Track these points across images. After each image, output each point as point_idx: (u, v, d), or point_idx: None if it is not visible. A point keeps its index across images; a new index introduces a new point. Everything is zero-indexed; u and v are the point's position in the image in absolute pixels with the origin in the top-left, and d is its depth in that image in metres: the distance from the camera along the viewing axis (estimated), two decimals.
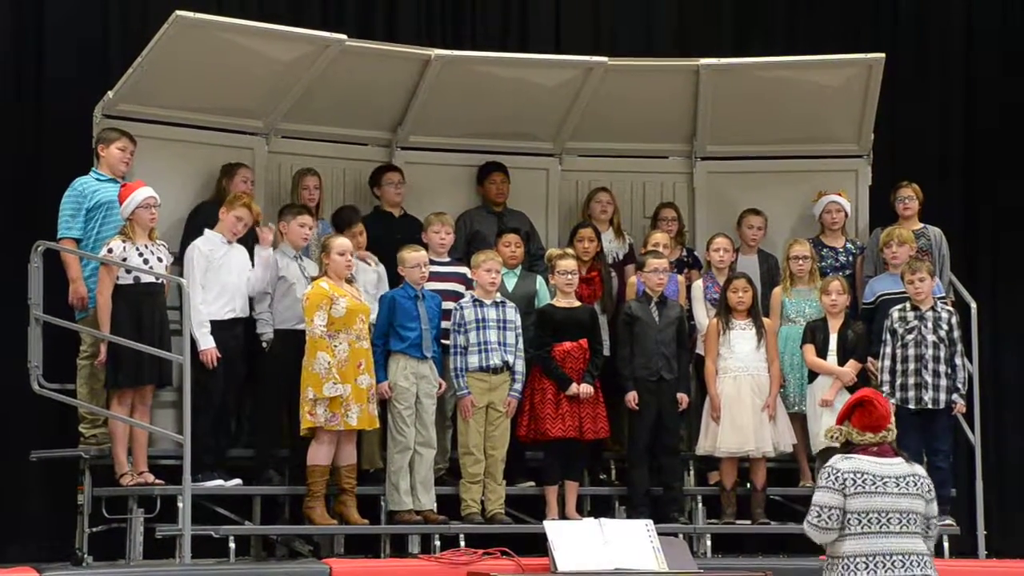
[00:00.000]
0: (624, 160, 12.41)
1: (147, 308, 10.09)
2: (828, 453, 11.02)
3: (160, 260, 10.21)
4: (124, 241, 10.07)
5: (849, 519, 7.25)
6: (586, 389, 10.79)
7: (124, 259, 10.03)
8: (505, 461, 10.78)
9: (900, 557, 7.20)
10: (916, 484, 7.31)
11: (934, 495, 7.41)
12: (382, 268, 11.11)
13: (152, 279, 10.12)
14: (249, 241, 10.75)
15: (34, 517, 11.13)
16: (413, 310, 10.57)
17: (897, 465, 7.33)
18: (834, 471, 7.29)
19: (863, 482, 7.24)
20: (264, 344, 10.59)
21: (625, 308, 11.21)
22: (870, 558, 7.20)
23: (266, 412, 10.65)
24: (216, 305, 10.37)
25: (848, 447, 7.40)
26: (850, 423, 7.41)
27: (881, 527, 7.22)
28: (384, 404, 10.55)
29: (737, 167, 12.46)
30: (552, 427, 10.78)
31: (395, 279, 11.01)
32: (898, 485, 7.27)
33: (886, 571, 7.17)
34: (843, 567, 7.23)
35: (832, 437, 7.50)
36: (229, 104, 11.22)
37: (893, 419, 7.53)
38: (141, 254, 10.09)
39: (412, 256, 10.66)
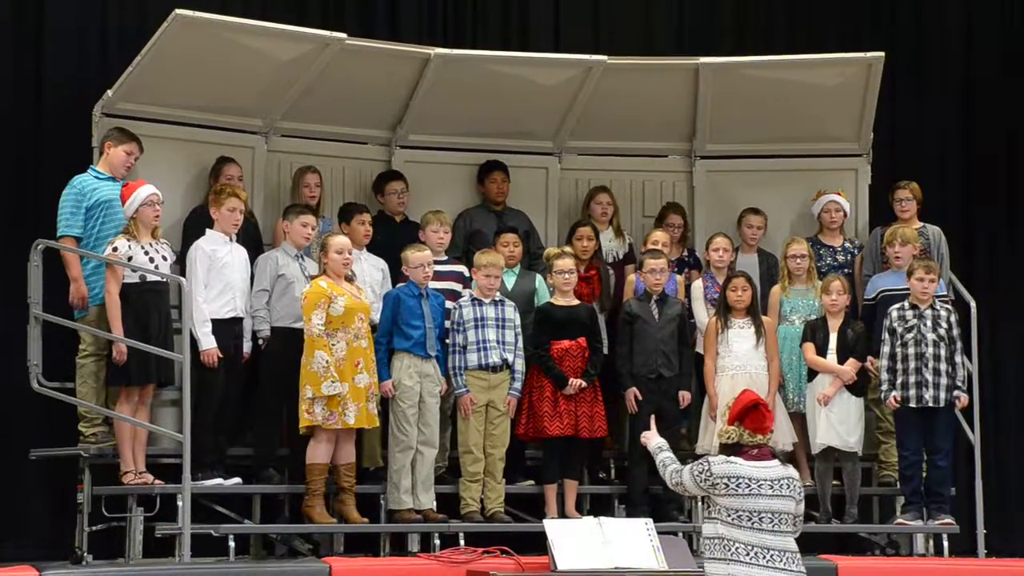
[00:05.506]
0: (624, 159, 12.41)
1: (153, 307, 10.09)
2: (827, 454, 11.08)
3: (165, 259, 10.20)
4: (129, 240, 10.06)
5: (720, 510, 7.59)
6: (578, 382, 10.78)
7: (130, 258, 10.02)
8: (504, 460, 10.78)
9: (778, 553, 7.53)
10: (789, 487, 7.65)
11: (803, 496, 7.73)
12: (386, 266, 11.11)
13: (157, 277, 10.10)
14: (249, 242, 10.78)
15: (34, 516, 11.12)
16: (417, 308, 10.55)
17: (773, 468, 7.65)
18: (707, 472, 7.64)
19: (736, 486, 7.56)
20: (261, 342, 10.59)
21: (625, 306, 11.21)
22: (749, 547, 7.50)
23: (265, 411, 10.64)
24: (217, 304, 10.35)
25: (736, 447, 7.69)
26: (742, 425, 7.72)
27: (752, 524, 7.54)
28: (386, 402, 10.55)
29: (736, 166, 12.45)
30: (550, 425, 10.79)
31: (395, 279, 11.02)
32: (772, 487, 7.59)
33: (767, 562, 7.47)
34: (723, 547, 7.54)
35: (728, 438, 7.75)
36: (228, 102, 11.21)
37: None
38: (147, 252, 10.08)
39: (416, 256, 10.65)
